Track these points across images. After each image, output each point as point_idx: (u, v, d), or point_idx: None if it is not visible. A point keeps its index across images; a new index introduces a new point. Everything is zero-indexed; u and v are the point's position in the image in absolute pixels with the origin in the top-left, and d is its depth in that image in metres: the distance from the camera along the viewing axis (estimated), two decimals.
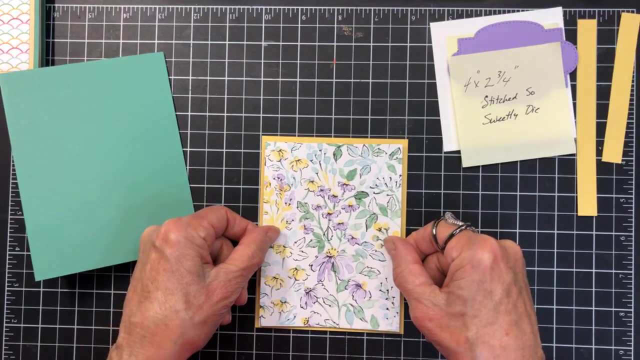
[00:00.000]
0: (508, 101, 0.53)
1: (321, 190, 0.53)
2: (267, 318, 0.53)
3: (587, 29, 0.53)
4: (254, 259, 0.48)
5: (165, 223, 0.46)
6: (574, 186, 0.53)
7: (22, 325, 0.54)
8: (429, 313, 0.44)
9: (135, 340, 0.44)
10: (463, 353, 0.42)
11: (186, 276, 0.44)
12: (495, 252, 0.42)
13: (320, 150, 0.53)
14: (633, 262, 0.52)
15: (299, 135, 0.54)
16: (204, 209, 0.49)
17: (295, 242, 0.53)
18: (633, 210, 0.53)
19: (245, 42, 0.55)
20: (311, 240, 0.53)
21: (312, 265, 0.53)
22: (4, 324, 0.54)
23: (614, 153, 0.53)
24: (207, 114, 0.54)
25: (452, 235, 0.45)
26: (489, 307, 0.42)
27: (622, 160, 0.53)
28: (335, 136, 0.54)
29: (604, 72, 0.53)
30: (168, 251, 0.44)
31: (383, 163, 0.53)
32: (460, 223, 0.46)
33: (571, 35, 0.53)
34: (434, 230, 0.47)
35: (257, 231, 0.50)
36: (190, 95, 0.54)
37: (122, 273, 0.54)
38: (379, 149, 0.53)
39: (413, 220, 0.53)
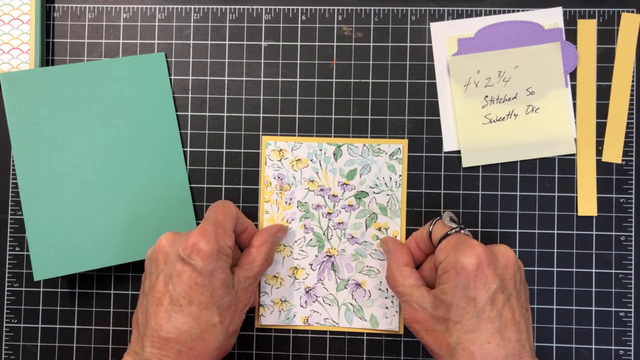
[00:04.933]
0: (508, 101, 0.53)
1: (321, 189, 0.53)
2: (267, 317, 0.53)
3: (587, 29, 0.53)
4: (267, 262, 0.49)
5: (191, 235, 0.44)
6: (574, 186, 0.53)
7: (22, 325, 0.54)
8: (416, 315, 0.44)
9: (170, 355, 0.42)
10: (444, 357, 0.42)
11: (219, 289, 0.44)
12: (480, 258, 0.41)
13: (320, 150, 0.53)
14: (633, 262, 0.52)
15: (299, 136, 0.54)
16: (217, 212, 0.47)
17: (296, 241, 0.53)
18: (633, 210, 0.53)
19: (245, 42, 0.55)
20: (311, 240, 0.53)
21: (312, 265, 0.53)
22: (4, 324, 0.54)
23: (614, 153, 0.53)
24: (207, 114, 0.54)
25: (444, 237, 0.45)
26: (471, 313, 0.41)
27: (622, 160, 0.53)
28: (335, 136, 0.54)
29: (604, 72, 0.53)
30: (200, 265, 0.43)
31: (383, 163, 0.53)
32: (454, 225, 0.46)
33: (571, 35, 0.53)
34: (430, 229, 0.47)
35: (266, 232, 0.50)
36: (190, 95, 0.54)
37: (122, 273, 0.54)
38: (379, 148, 0.53)
39: (413, 220, 0.53)
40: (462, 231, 0.45)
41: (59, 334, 0.54)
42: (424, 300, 0.44)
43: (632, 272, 0.52)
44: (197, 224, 0.53)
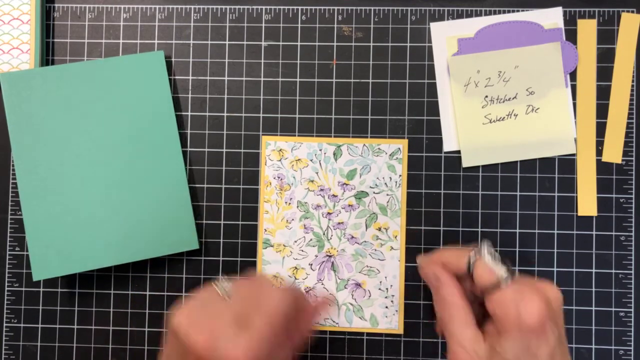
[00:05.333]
0: (508, 101, 0.53)
1: (321, 189, 0.53)
2: None
3: (587, 29, 0.53)
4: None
5: (238, 345, 0.35)
6: (574, 186, 0.53)
7: (22, 325, 0.54)
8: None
9: None
10: None
11: None
12: (542, 315, 0.39)
13: (320, 150, 0.53)
14: (633, 262, 0.52)
15: (299, 136, 0.54)
16: (275, 314, 0.38)
17: (295, 241, 0.53)
18: (633, 210, 0.53)
19: (245, 42, 0.55)
20: (311, 240, 0.53)
21: (311, 265, 0.53)
22: (4, 324, 0.54)
23: (614, 153, 0.53)
24: (207, 114, 0.54)
25: (495, 286, 0.41)
26: None
27: (622, 160, 0.53)
28: (335, 136, 0.54)
29: (604, 72, 0.53)
30: None
31: (383, 163, 0.53)
32: (503, 272, 0.42)
33: (571, 35, 0.53)
34: (470, 267, 0.43)
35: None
36: (190, 95, 0.54)
37: (122, 273, 0.54)
38: (379, 148, 0.53)
39: (413, 220, 0.53)
40: (513, 276, 0.42)
41: (59, 334, 0.54)
42: (479, 347, 0.41)
43: (632, 272, 0.52)
44: (196, 224, 0.53)
